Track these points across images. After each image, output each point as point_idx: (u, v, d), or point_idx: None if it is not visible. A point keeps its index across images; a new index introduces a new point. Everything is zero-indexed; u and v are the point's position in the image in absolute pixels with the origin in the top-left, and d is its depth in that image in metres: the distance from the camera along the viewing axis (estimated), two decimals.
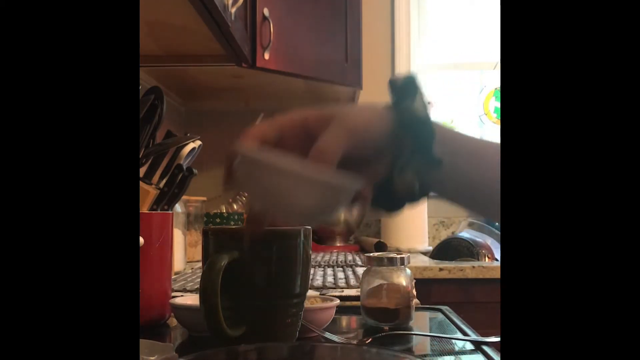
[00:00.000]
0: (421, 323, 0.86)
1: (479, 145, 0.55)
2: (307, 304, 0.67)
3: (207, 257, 0.59)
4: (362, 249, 2.05)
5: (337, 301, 0.76)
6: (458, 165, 0.53)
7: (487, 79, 2.50)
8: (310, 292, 0.81)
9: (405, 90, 0.52)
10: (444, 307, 0.94)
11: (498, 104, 2.47)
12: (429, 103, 0.52)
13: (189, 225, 1.63)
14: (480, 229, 2.10)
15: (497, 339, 0.69)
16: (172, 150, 0.95)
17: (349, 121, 0.49)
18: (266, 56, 1.65)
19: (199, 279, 0.92)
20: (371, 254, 0.82)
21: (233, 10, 1.29)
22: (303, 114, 0.51)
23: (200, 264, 1.58)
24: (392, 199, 0.53)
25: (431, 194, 0.55)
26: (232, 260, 0.56)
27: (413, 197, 0.53)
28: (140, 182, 0.88)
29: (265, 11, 1.65)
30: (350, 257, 1.72)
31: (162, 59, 1.63)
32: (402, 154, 0.51)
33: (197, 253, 1.67)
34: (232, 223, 1.94)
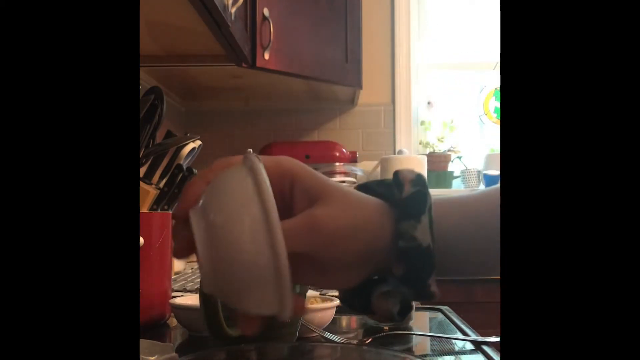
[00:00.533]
0: (421, 323, 0.86)
1: (467, 212, 0.47)
2: (307, 304, 0.67)
3: None
4: None
5: (337, 301, 0.76)
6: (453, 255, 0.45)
7: (487, 79, 2.50)
8: (310, 292, 0.82)
9: (412, 202, 0.43)
10: (444, 307, 0.94)
11: (498, 104, 2.47)
12: (432, 225, 0.42)
13: None
14: None
15: (497, 339, 0.69)
16: (172, 150, 0.96)
17: (329, 220, 0.40)
18: (266, 56, 1.65)
19: (199, 279, 0.92)
20: None
21: (233, 10, 1.29)
22: (298, 169, 0.42)
23: None
24: (365, 307, 0.45)
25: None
26: None
27: (390, 319, 0.46)
28: (140, 182, 0.88)
29: (265, 11, 1.65)
30: None
31: (162, 59, 1.63)
32: (388, 281, 0.43)
33: None
34: None
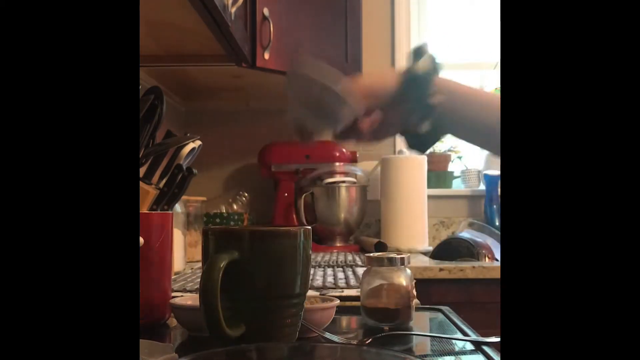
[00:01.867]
0: (421, 323, 0.86)
1: (471, 90, 0.76)
2: (307, 304, 0.67)
3: (207, 257, 0.59)
4: (362, 249, 2.05)
5: (337, 301, 0.76)
6: (456, 108, 0.72)
7: (487, 79, 2.50)
8: (310, 292, 0.81)
9: (415, 54, 0.72)
10: (444, 307, 0.94)
11: None
12: (435, 63, 0.72)
13: (189, 225, 1.63)
14: (480, 229, 2.10)
15: (497, 339, 0.69)
16: (172, 150, 0.95)
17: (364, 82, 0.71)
18: (266, 56, 1.65)
19: (199, 279, 0.92)
20: (371, 254, 0.82)
21: (233, 10, 1.29)
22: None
23: (200, 264, 1.58)
24: (419, 141, 0.71)
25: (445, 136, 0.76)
26: (232, 260, 0.56)
27: (434, 138, 0.71)
28: (140, 182, 0.88)
29: (265, 11, 1.65)
30: (350, 257, 1.72)
31: (162, 59, 1.63)
32: (407, 104, 0.69)
33: (197, 253, 1.67)
34: (232, 223, 1.94)
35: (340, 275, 1.30)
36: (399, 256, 0.80)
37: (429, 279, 1.61)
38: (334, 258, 1.70)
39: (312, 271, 1.31)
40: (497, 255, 1.86)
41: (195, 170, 0.91)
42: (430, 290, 1.60)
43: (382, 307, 0.78)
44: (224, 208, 2.07)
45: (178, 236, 1.38)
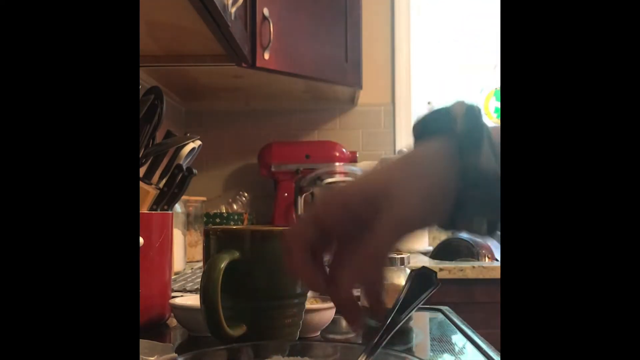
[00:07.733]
0: (421, 323, 0.86)
1: None
2: (307, 304, 0.67)
3: (209, 257, 0.59)
4: None
5: None
6: None
7: (487, 79, 2.50)
8: (310, 292, 0.81)
9: (469, 134, 0.43)
10: (444, 307, 0.94)
11: (498, 104, 2.47)
12: (494, 149, 0.43)
13: (188, 225, 1.63)
14: None
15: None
16: (172, 150, 0.95)
17: (401, 210, 0.43)
18: (266, 56, 1.65)
19: (199, 279, 0.92)
20: None
21: (233, 10, 1.29)
22: (343, 197, 0.44)
23: (200, 264, 1.58)
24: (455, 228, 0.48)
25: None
26: (233, 260, 0.56)
27: (481, 234, 0.47)
28: (140, 182, 0.88)
29: (265, 11, 1.65)
30: None
31: (162, 59, 1.63)
32: (469, 210, 0.45)
33: (197, 253, 1.67)
34: (232, 223, 1.94)
35: None
36: (399, 256, 0.80)
37: None
38: None
39: None
40: (497, 255, 1.86)
41: (195, 170, 0.91)
42: None
43: None
44: (224, 208, 2.07)
45: (178, 236, 1.38)
